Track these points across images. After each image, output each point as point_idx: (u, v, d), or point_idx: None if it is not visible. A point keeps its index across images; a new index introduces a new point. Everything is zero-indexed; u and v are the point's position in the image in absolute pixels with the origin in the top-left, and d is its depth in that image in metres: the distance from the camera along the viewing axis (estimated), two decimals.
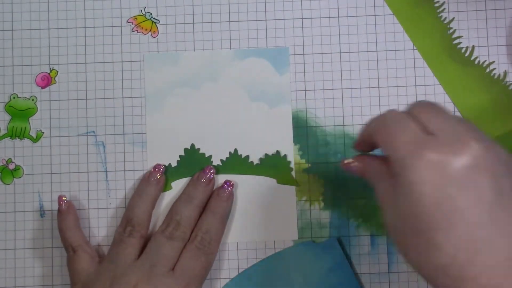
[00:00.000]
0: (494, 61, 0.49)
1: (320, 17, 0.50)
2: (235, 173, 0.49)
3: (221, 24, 0.50)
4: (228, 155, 0.49)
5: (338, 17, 0.50)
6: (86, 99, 0.50)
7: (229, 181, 0.48)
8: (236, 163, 0.49)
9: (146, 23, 0.50)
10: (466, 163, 0.33)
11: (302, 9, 0.50)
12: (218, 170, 0.49)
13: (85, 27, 0.50)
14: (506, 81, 0.49)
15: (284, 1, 0.50)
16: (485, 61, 0.49)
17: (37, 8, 0.50)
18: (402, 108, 0.49)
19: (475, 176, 0.33)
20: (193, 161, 0.49)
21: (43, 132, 0.49)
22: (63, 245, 0.47)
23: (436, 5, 0.50)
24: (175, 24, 0.50)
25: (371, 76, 0.49)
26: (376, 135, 0.38)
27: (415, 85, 0.49)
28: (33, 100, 0.50)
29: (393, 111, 0.38)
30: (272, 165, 0.49)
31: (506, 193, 0.33)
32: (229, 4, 0.50)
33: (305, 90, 0.49)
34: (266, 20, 0.50)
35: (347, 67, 0.49)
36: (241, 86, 0.49)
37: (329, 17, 0.50)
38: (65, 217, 0.47)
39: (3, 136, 0.49)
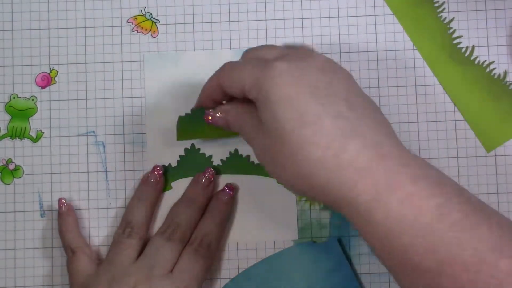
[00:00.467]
0: (494, 61, 0.49)
1: (320, 17, 0.50)
2: (236, 173, 0.49)
3: (221, 24, 0.50)
4: (228, 155, 0.49)
5: (338, 17, 0.50)
6: (86, 99, 0.50)
7: (231, 185, 0.48)
8: (237, 163, 0.49)
9: (146, 23, 0.50)
10: (313, 66, 0.37)
11: (302, 9, 0.50)
12: (219, 170, 0.49)
13: (85, 27, 0.50)
14: (506, 81, 0.49)
15: (284, 1, 0.50)
16: (485, 61, 0.49)
17: (37, 8, 0.50)
18: (402, 108, 0.49)
19: (325, 76, 0.36)
20: (193, 161, 0.49)
21: (43, 132, 0.49)
22: (63, 247, 0.47)
23: (436, 5, 0.50)
24: (175, 24, 0.50)
25: (371, 76, 0.49)
26: (224, 83, 0.40)
27: (415, 85, 0.49)
28: (33, 100, 0.50)
29: (228, 62, 0.41)
30: None
31: (353, 92, 0.37)
32: (229, 4, 0.50)
33: None
34: (266, 20, 0.50)
35: (347, 67, 0.49)
36: None
37: (329, 17, 0.50)
38: (65, 219, 0.47)
39: (3, 136, 0.49)
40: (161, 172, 0.48)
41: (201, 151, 0.49)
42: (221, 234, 0.47)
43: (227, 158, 0.49)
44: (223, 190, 0.47)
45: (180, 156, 0.49)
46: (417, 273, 0.33)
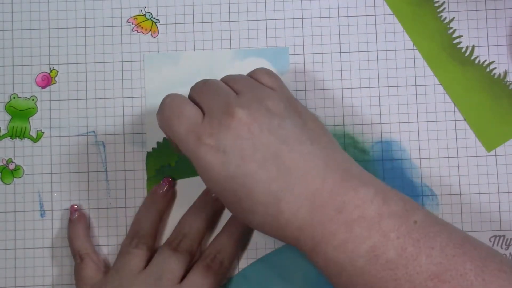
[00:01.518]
0: (494, 61, 0.49)
1: (320, 17, 0.50)
2: None
3: (221, 24, 0.50)
4: None
5: (338, 17, 0.50)
6: (86, 99, 0.50)
7: None
8: None
9: (146, 23, 0.50)
10: (237, 132, 0.37)
11: (302, 9, 0.50)
12: None
13: (85, 27, 0.50)
14: (506, 81, 0.49)
15: (284, 1, 0.50)
16: (485, 61, 0.49)
17: (37, 8, 0.50)
18: (402, 108, 0.49)
19: (251, 140, 0.37)
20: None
21: (43, 132, 0.49)
22: (71, 253, 0.47)
23: (436, 5, 0.50)
24: (175, 24, 0.50)
25: (371, 76, 0.49)
26: (160, 125, 0.41)
27: (415, 85, 0.49)
28: (33, 100, 0.50)
29: (169, 96, 0.41)
30: None
31: (284, 137, 0.37)
32: (229, 4, 0.50)
33: (305, 90, 0.49)
34: (266, 20, 0.50)
35: (347, 67, 0.49)
36: None
37: (329, 17, 0.50)
38: (75, 226, 0.47)
39: (3, 136, 0.49)
40: (171, 183, 0.48)
41: None
42: (235, 252, 0.46)
43: None
44: None
45: (179, 156, 0.49)
46: None
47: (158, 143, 0.49)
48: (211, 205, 0.47)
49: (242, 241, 0.47)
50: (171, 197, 0.48)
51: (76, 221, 0.47)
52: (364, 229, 0.35)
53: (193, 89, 0.41)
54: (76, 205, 0.48)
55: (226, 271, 0.46)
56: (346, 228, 0.35)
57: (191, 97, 0.41)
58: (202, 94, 0.40)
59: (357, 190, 0.36)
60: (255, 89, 0.40)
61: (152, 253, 0.46)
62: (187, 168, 0.49)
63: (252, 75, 0.42)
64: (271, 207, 0.36)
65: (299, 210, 0.36)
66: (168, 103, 0.40)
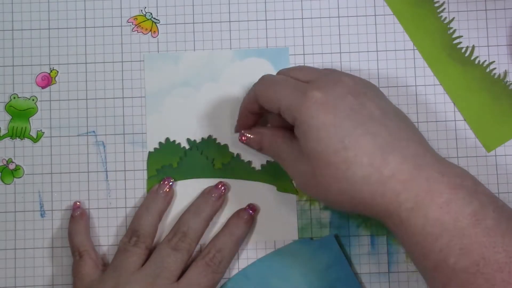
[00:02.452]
0: (494, 61, 0.49)
1: (320, 17, 0.50)
2: (236, 178, 0.49)
3: (221, 24, 0.50)
4: (230, 159, 0.49)
5: (338, 17, 0.50)
6: (86, 99, 0.50)
7: (253, 205, 0.48)
8: (238, 167, 0.49)
9: (146, 23, 0.50)
10: (345, 91, 0.39)
11: (302, 9, 0.50)
12: (219, 174, 0.49)
13: (85, 27, 0.50)
14: (506, 81, 0.49)
15: (284, 1, 0.50)
16: (485, 61, 0.49)
17: (37, 8, 0.50)
18: (402, 107, 0.49)
19: (357, 99, 0.39)
20: (194, 163, 0.49)
21: (44, 132, 0.49)
22: (71, 250, 0.47)
23: (436, 5, 0.50)
24: (175, 24, 0.50)
25: (371, 76, 0.49)
26: (260, 98, 0.42)
27: (415, 85, 0.49)
28: (33, 100, 0.50)
29: (266, 75, 0.43)
30: (273, 172, 0.49)
31: (384, 109, 0.40)
32: (229, 4, 0.50)
33: None
34: (266, 20, 0.50)
35: (347, 67, 0.49)
36: (241, 86, 0.49)
37: (329, 17, 0.50)
38: (76, 222, 0.47)
39: (4, 136, 0.49)
40: (171, 184, 0.48)
41: (202, 154, 0.49)
42: (235, 251, 0.47)
43: (228, 162, 0.49)
44: (244, 209, 0.47)
45: (181, 157, 0.49)
46: (453, 273, 0.35)
47: (160, 143, 0.49)
48: (211, 205, 0.47)
49: (242, 242, 0.47)
50: (171, 197, 0.48)
51: (78, 218, 0.48)
52: (466, 195, 0.36)
53: (287, 70, 0.44)
54: (79, 202, 0.48)
55: (224, 270, 0.46)
56: (450, 190, 0.37)
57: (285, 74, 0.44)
58: (299, 71, 0.43)
59: (452, 166, 0.38)
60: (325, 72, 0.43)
61: (150, 251, 0.46)
62: (189, 169, 0.49)
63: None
64: (377, 158, 0.37)
65: (404, 164, 0.37)
66: (269, 76, 0.43)
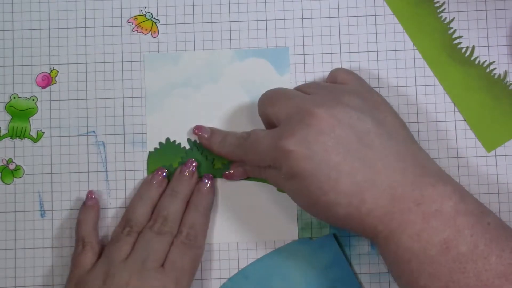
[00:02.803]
0: (494, 61, 0.49)
1: (320, 17, 0.50)
2: None
3: (221, 24, 0.50)
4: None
5: (338, 17, 0.50)
6: (87, 99, 0.50)
7: (209, 175, 0.48)
8: None
9: (146, 23, 0.50)
10: (318, 131, 0.39)
11: (302, 9, 0.50)
12: (219, 173, 0.49)
13: (85, 27, 0.50)
14: (506, 81, 0.49)
15: (284, 1, 0.50)
16: (485, 61, 0.49)
17: (37, 8, 0.50)
18: (402, 108, 0.49)
19: (331, 134, 0.39)
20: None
21: (44, 132, 0.49)
22: (76, 237, 0.47)
23: (436, 5, 0.50)
24: (175, 24, 0.50)
25: (371, 76, 0.49)
26: (246, 160, 0.45)
27: (415, 85, 0.49)
28: (33, 100, 0.50)
29: (241, 134, 0.46)
30: None
31: (363, 131, 0.40)
32: (229, 4, 0.50)
33: None
34: (266, 20, 0.50)
35: (347, 67, 0.49)
36: (241, 86, 0.49)
37: (329, 17, 0.50)
38: (87, 212, 0.48)
39: (4, 136, 0.49)
40: (164, 174, 0.48)
41: (203, 154, 0.49)
42: (206, 224, 0.47)
43: (228, 162, 0.49)
44: (202, 181, 0.48)
45: (182, 157, 0.49)
46: None
47: (160, 143, 0.49)
48: (186, 185, 0.47)
49: (209, 212, 0.48)
50: (164, 187, 0.48)
51: (89, 208, 0.48)
52: (440, 223, 0.37)
53: (262, 104, 0.45)
54: (93, 191, 0.48)
55: (201, 243, 0.47)
56: (423, 220, 0.38)
57: (261, 111, 0.45)
58: (276, 105, 0.43)
59: (436, 186, 0.39)
60: (328, 87, 0.44)
61: None
62: None
63: (328, 77, 0.47)
64: (355, 198, 0.39)
65: (380, 199, 0.39)
66: (243, 140, 0.45)
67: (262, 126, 0.47)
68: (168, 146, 0.49)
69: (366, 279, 0.48)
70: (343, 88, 0.44)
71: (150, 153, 0.49)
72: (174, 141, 0.49)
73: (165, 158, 0.49)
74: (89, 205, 0.48)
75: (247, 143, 0.44)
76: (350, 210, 0.39)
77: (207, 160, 0.49)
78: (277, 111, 0.42)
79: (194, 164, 0.48)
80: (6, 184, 0.49)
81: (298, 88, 0.45)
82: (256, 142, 0.43)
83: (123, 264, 0.44)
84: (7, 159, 0.49)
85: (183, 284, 0.44)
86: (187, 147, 0.49)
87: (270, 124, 0.44)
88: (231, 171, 0.48)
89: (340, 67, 0.47)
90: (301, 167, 0.39)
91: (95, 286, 0.43)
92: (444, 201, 0.38)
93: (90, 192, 0.48)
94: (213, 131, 0.48)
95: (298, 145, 0.39)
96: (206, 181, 0.48)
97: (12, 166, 0.49)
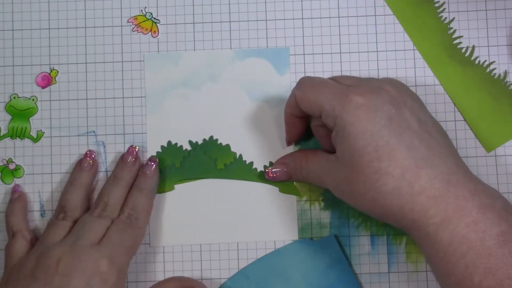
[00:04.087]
0: (494, 61, 0.49)
1: (320, 17, 0.50)
2: (239, 178, 0.49)
3: (221, 24, 0.50)
4: (232, 160, 0.49)
5: (338, 17, 0.50)
6: (87, 99, 0.50)
7: (153, 158, 0.48)
8: (240, 168, 0.49)
9: (146, 23, 0.50)
10: (386, 100, 0.40)
11: (302, 9, 0.50)
12: (221, 174, 0.49)
13: (85, 27, 0.50)
14: (506, 81, 0.49)
15: (284, 1, 0.50)
16: (485, 61, 0.49)
17: (37, 8, 0.50)
18: None
19: (397, 109, 0.39)
20: (196, 163, 0.49)
21: (44, 132, 0.49)
22: (6, 229, 0.47)
23: (436, 5, 0.50)
24: (175, 24, 0.50)
25: (371, 76, 0.49)
26: (300, 103, 0.43)
27: (415, 85, 0.49)
28: (33, 100, 0.50)
29: (305, 78, 0.44)
30: None
31: (423, 121, 0.40)
32: (229, 4, 0.50)
33: None
34: (266, 20, 0.50)
35: (347, 67, 0.49)
36: (241, 86, 0.49)
37: (329, 17, 0.50)
38: (14, 203, 0.48)
39: (4, 136, 0.49)
40: (93, 156, 0.48)
41: (205, 154, 0.49)
42: (149, 205, 0.47)
43: (231, 163, 0.49)
44: (146, 164, 0.48)
45: (184, 157, 0.49)
46: None
47: (162, 146, 0.49)
48: (128, 171, 0.47)
49: (153, 194, 0.48)
50: (96, 169, 0.48)
51: (16, 199, 0.48)
52: (495, 215, 0.37)
53: (302, 84, 0.43)
54: (18, 185, 0.48)
55: (143, 225, 0.46)
56: (479, 210, 0.37)
57: (301, 96, 0.43)
58: (342, 77, 0.43)
59: (484, 187, 0.39)
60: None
61: None
62: (191, 169, 0.49)
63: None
64: (409, 171, 0.38)
65: (436, 180, 0.38)
66: (309, 79, 0.43)
67: (262, 128, 0.48)
68: (170, 149, 0.49)
69: (366, 279, 0.48)
70: (406, 87, 0.44)
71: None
72: (176, 143, 0.49)
73: (167, 159, 0.49)
74: (15, 198, 0.48)
75: (312, 79, 0.43)
76: (401, 183, 0.38)
77: (210, 159, 0.49)
78: (344, 80, 0.43)
79: (136, 150, 0.48)
80: (6, 184, 0.49)
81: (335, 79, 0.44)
82: (320, 84, 0.42)
83: (56, 244, 0.44)
84: (7, 159, 0.49)
85: (118, 262, 0.43)
86: (189, 148, 0.49)
87: (309, 111, 0.43)
88: (275, 171, 0.47)
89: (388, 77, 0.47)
90: (363, 125, 0.39)
91: (28, 269, 0.42)
92: (495, 198, 0.38)
93: (13, 187, 0.48)
94: (287, 163, 0.48)
95: (366, 102, 0.39)
96: (151, 163, 0.48)
97: (12, 166, 0.49)
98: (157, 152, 0.49)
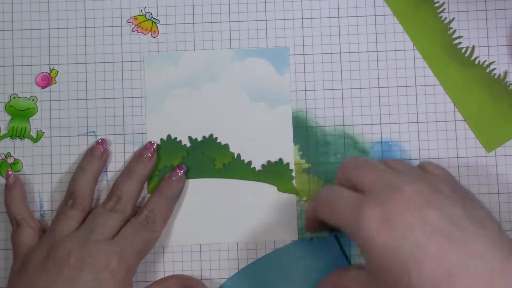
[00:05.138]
0: (494, 61, 0.49)
1: (320, 17, 0.50)
2: (237, 178, 0.49)
3: (221, 24, 0.50)
4: (230, 160, 0.49)
5: (338, 17, 0.50)
6: (86, 99, 0.50)
7: (182, 165, 0.48)
8: (239, 168, 0.49)
9: (146, 23, 0.50)
10: (405, 205, 0.36)
11: (302, 9, 0.50)
12: (220, 174, 0.49)
13: (85, 27, 0.50)
14: (506, 81, 0.49)
15: (284, 1, 0.50)
16: (485, 61, 0.49)
17: (37, 8, 0.50)
18: (402, 108, 0.49)
19: (418, 213, 0.36)
20: (195, 163, 0.49)
21: (43, 132, 0.49)
22: (9, 218, 0.47)
23: (436, 5, 0.50)
24: (175, 24, 0.50)
25: (371, 76, 0.49)
26: (318, 213, 0.41)
27: (415, 85, 0.49)
28: (33, 100, 0.50)
29: (323, 191, 0.42)
30: (274, 173, 0.49)
31: (455, 218, 0.36)
32: (229, 4, 0.50)
33: (305, 90, 0.49)
34: (266, 20, 0.50)
35: (347, 67, 0.49)
36: (241, 86, 0.49)
37: (329, 17, 0.50)
38: (11, 191, 0.47)
39: (4, 136, 0.49)
40: (105, 146, 0.48)
41: (204, 154, 0.49)
42: (168, 211, 0.47)
43: (229, 162, 0.49)
44: (174, 170, 0.48)
45: (183, 157, 0.49)
46: None
47: (161, 139, 0.49)
48: (143, 166, 0.47)
49: (174, 201, 0.48)
50: (106, 157, 0.48)
51: (12, 186, 0.48)
52: None
53: (346, 167, 0.41)
54: (11, 170, 0.48)
55: (159, 230, 0.46)
56: None
57: (344, 176, 0.41)
58: (362, 171, 0.40)
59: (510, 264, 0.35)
60: (418, 171, 0.40)
61: (87, 214, 0.46)
62: (190, 169, 0.49)
63: (419, 165, 0.42)
64: (443, 283, 0.34)
65: (477, 286, 0.34)
66: (325, 192, 0.41)
67: (262, 128, 0.48)
68: (169, 143, 0.49)
69: None
70: (434, 174, 0.40)
71: None
72: (175, 138, 0.49)
73: (166, 157, 0.49)
74: (11, 183, 0.48)
75: (325, 191, 0.41)
76: None
77: (208, 160, 0.49)
78: (362, 176, 0.39)
79: (153, 147, 0.48)
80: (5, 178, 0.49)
81: (384, 162, 0.42)
82: (337, 198, 0.40)
83: (68, 236, 0.44)
84: (5, 153, 0.49)
85: (128, 260, 0.43)
86: (188, 144, 0.49)
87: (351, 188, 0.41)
88: (326, 281, 0.44)
89: (428, 160, 0.43)
90: (381, 238, 0.36)
91: (39, 260, 0.43)
92: None
93: (6, 172, 0.48)
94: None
95: (380, 214, 0.36)
96: (178, 171, 0.48)
97: (10, 160, 0.49)
98: (157, 145, 0.49)
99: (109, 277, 0.42)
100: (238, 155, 0.49)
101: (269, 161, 0.49)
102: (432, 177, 0.40)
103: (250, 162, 0.49)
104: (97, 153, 0.48)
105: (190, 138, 0.49)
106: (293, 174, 0.49)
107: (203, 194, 0.49)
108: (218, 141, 0.49)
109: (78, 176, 0.47)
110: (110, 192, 0.47)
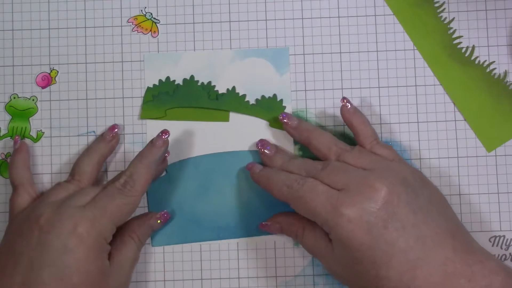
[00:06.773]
0: (494, 61, 0.49)
1: (320, 17, 0.50)
2: (230, 109, 0.49)
3: (221, 24, 0.50)
4: (225, 90, 0.49)
5: (338, 17, 0.50)
6: (86, 99, 0.50)
7: (166, 130, 0.46)
8: (233, 100, 0.49)
9: (146, 23, 0.50)
10: (379, 204, 0.40)
11: (302, 9, 0.50)
12: (214, 104, 0.49)
13: (85, 27, 0.50)
14: (506, 81, 0.49)
15: (284, 1, 0.50)
16: (485, 61, 0.49)
17: (37, 8, 0.50)
18: (402, 108, 0.49)
19: (391, 210, 0.40)
20: (190, 92, 0.49)
21: (44, 132, 0.49)
22: (10, 182, 0.47)
23: (436, 5, 0.50)
24: (175, 24, 0.50)
25: (371, 76, 0.49)
26: (295, 206, 0.43)
27: (415, 85, 0.49)
28: (33, 100, 0.50)
29: (296, 178, 0.44)
30: (267, 108, 0.49)
31: (419, 211, 0.40)
32: (229, 4, 0.50)
33: (305, 90, 0.49)
34: (266, 20, 0.50)
35: (347, 67, 0.49)
36: (241, 86, 0.49)
37: (329, 17, 0.50)
38: (14, 156, 0.48)
39: (4, 136, 0.49)
40: (116, 130, 0.48)
41: (199, 84, 0.49)
42: (146, 175, 0.45)
43: (223, 94, 0.49)
44: (158, 135, 0.46)
45: (177, 85, 0.49)
46: None
47: (159, 80, 0.49)
48: (155, 153, 0.45)
49: (154, 167, 0.46)
50: (116, 141, 0.48)
51: (17, 151, 0.48)
52: None
53: (323, 172, 0.43)
54: (17, 136, 0.49)
55: (136, 195, 0.44)
56: None
57: (318, 178, 0.43)
58: (333, 173, 0.43)
59: (484, 262, 0.40)
60: (383, 162, 0.43)
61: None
62: (184, 97, 0.49)
63: (371, 149, 0.45)
64: (406, 274, 0.39)
65: (432, 276, 0.39)
66: (302, 187, 0.43)
67: (261, 128, 0.47)
68: (167, 83, 0.49)
69: None
70: (399, 165, 0.44)
71: (148, 87, 0.49)
72: (174, 80, 0.49)
73: (162, 88, 0.49)
74: (16, 148, 0.48)
75: (301, 188, 0.43)
76: (399, 285, 0.39)
77: (203, 90, 0.49)
78: (338, 179, 0.42)
79: (166, 135, 0.46)
80: (5, 178, 0.49)
81: (347, 161, 0.44)
82: (311, 193, 0.42)
83: (48, 202, 0.44)
84: (5, 153, 0.49)
85: (100, 226, 0.42)
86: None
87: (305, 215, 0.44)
88: (268, 224, 0.47)
89: (382, 142, 0.46)
90: (358, 239, 0.40)
91: (18, 223, 0.43)
92: (493, 277, 0.39)
93: (15, 139, 0.48)
94: (277, 150, 0.48)
95: (358, 216, 0.40)
96: (161, 135, 0.46)
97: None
98: (154, 85, 0.49)
99: (77, 242, 0.41)
100: (233, 87, 0.49)
101: (263, 96, 0.49)
102: (391, 163, 0.43)
103: (244, 95, 0.49)
104: (107, 136, 0.48)
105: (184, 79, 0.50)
106: (287, 110, 0.49)
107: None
108: (216, 89, 0.49)
109: (83, 155, 0.48)
110: (121, 172, 0.46)
